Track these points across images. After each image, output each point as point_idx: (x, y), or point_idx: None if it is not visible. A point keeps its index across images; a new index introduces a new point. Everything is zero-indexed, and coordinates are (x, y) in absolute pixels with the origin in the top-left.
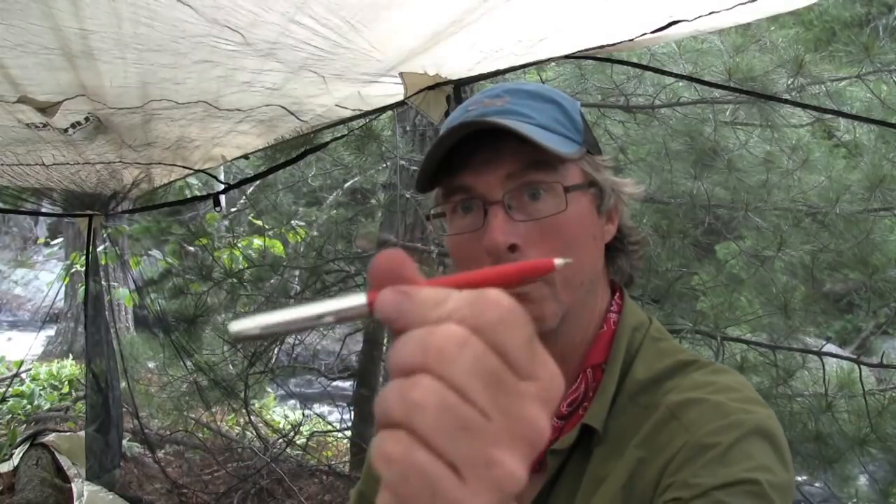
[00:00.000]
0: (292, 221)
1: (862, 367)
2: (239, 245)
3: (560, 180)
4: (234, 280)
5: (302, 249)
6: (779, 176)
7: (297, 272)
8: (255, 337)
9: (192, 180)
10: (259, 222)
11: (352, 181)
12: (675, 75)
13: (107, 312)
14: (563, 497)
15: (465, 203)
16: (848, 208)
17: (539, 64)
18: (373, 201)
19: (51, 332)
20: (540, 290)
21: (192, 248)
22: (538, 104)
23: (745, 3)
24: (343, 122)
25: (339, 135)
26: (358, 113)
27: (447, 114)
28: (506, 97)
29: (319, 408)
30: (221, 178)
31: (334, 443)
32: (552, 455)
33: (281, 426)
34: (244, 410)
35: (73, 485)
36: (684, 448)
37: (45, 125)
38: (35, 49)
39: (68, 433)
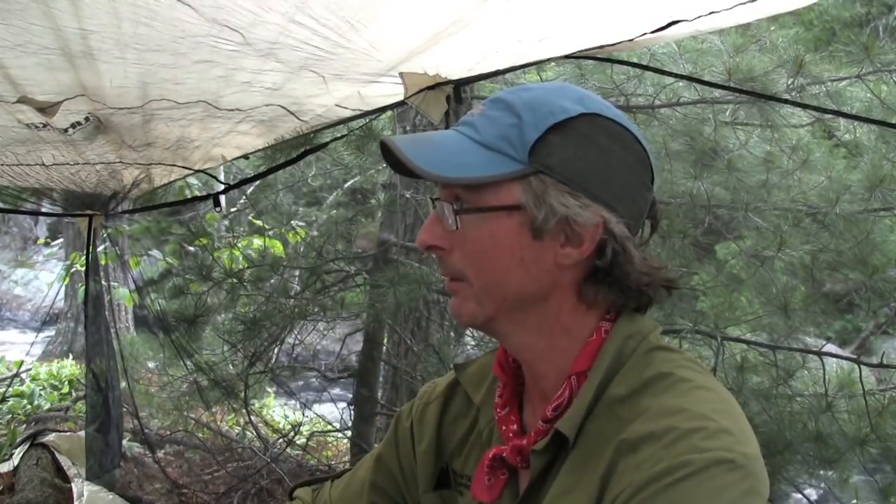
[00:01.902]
0: (292, 221)
1: (862, 367)
2: (239, 245)
3: (450, 200)
4: (234, 280)
5: (302, 249)
6: (779, 176)
7: (297, 272)
8: None
9: (192, 180)
10: (259, 222)
11: (352, 181)
12: (675, 75)
13: (107, 312)
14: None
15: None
16: (848, 208)
17: (539, 64)
18: (373, 201)
19: (51, 332)
20: (463, 291)
21: (192, 248)
22: (502, 117)
23: (745, 3)
24: (343, 121)
25: (339, 135)
26: (358, 113)
27: (447, 114)
28: (484, 107)
29: (319, 408)
30: (221, 178)
31: (334, 443)
32: (535, 455)
33: (281, 426)
34: (244, 410)
35: (73, 485)
36: (629, 487)
37: (45, 125)
38: (35, 49)
39: (68, 433)
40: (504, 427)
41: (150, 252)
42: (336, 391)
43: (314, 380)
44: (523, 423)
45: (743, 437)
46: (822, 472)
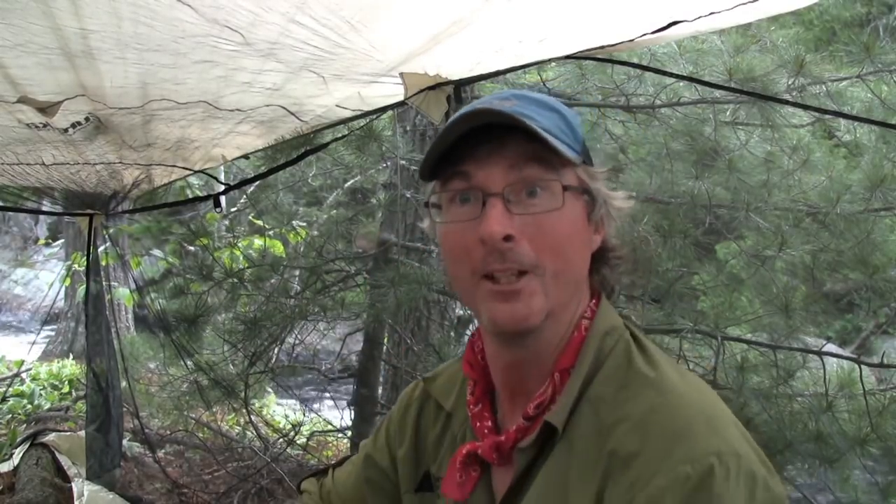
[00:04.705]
0: (292, 221)
1: (862, 366)
2: (239, 245)
3: (559, 179)
4: (235, 280)
5: (302, 249)
6: (779, 176)
7: (297, 272)
8: None
9: (193, 180)
10: (259, 222)
11: (352, 181)
12: (676, 75)
13: (107, 312)
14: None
15: (463, 194)
16: (848, 208)
17: (539, 64)
18: (373, 201)
19: (51, 332)
20: (530, 285)
21: (192, 248)
22: (543, 111)
23: (746, 4)
24: (343, 122)
25: (339, 135)
26: (358, 113)
27: (447, 114)
28: (513, 100)
29: (319, 408)
30: (222, 178)
31: (334, 443)
32: (519, 452)
33: (281, 426)
34: (244, 410)
35: (73, 484)
36: None
37: (45, 125)
38: (35, 49)
39: (68, 433)
40: (478, 423)
41: (150, 252)
42: (336, 391)
43: (314, 380)
44: (497, 420)
45: (728, 434)
46: (822, 471)
